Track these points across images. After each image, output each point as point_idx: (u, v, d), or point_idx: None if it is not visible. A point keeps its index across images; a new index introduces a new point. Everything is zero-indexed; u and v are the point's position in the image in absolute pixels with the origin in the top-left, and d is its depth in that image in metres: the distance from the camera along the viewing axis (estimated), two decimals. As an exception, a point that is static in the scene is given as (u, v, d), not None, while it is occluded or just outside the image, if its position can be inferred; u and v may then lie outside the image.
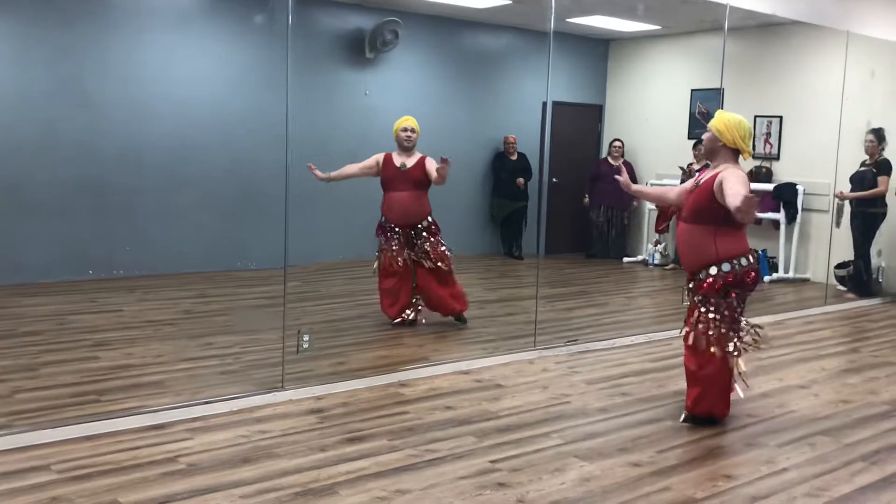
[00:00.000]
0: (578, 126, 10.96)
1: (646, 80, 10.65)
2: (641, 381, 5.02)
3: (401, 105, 9.26)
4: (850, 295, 8.18)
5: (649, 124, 10.47)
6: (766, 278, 9.03)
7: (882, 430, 4.26)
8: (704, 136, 4.17)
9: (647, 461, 3.73)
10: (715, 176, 4.04)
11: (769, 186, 9.17)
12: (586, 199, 10.46)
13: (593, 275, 9.29)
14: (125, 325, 5.81)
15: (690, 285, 4.26)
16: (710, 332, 4.11)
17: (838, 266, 8.53)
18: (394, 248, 6.00)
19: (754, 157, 9.51)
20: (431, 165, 5.99)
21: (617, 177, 4.74)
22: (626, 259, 10.22)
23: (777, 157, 9.38)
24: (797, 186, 8.96)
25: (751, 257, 4.13)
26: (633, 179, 10.44)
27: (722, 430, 4.19)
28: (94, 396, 4.28)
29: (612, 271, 9.53)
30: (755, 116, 9.42)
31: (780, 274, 9.05)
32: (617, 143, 10.48)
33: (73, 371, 4.70)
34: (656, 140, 10.37)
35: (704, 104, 9.82)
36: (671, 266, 9.68)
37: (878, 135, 7.97)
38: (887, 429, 4.31)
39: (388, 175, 6.01)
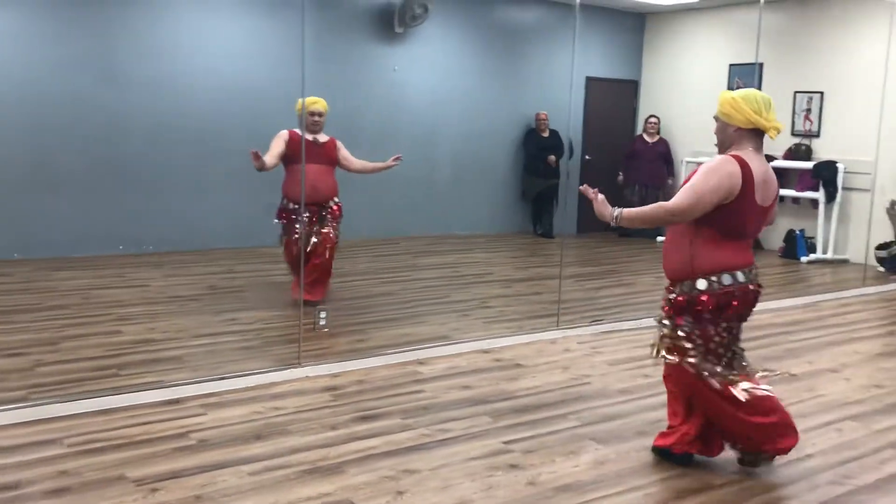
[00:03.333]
0: (614, 102, 10.76)
1: (682, 54, 10.40)
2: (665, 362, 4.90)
3: (431, 81, 9.17)
4: (894, 276, 7.93)
5: (686, 100, 10.22)
6: (804, 258, 8.80)
7: (914, 416, 4.11)
8: (714, 130, 3.29)
9: (665, 445, 3.63)
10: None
11: (809, 165, 8.91)
12: (620, 177, 10.28)
13: (625, 254, 9.13)
14: (150, 301, 5.85)
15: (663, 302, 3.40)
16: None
17: (879, 247, 8.27)
18: (296, 235, 5.57)
19: (794, 133, 9.24)
20: (343, 150, 5.76)
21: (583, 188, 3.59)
22: (659, 238, 10.02)
23: (817, 135, 9.09)
24: (837, 165, 8.68)
25: (739, 275, 3.19)
26: (668, 158, 10.28)
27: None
28: (114, 371, 4.31)
29: (644, 250, 9.36)
30: (795, 92, 9.13)
31: (819, 255, 8.80)
32: (653, 120, 10.27)
33: (95, 345, 4.73)
34: (693, 116, 10.11)
35: (742, 79, 9.54)
36: (705, 246, 9.47)
37: None
38: (920, 416, 4.15)
39: (298, 150, 5.35)
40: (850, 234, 8.78)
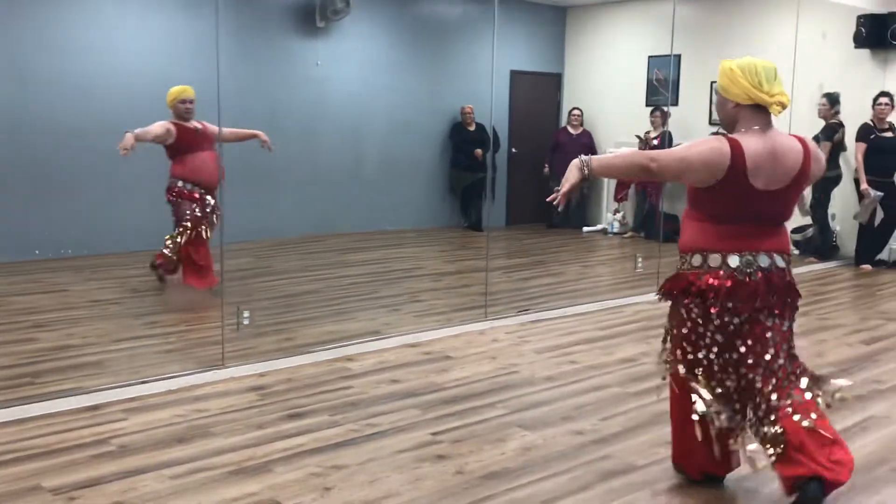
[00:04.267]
0: (538, 95, 10.87)
1: (603, 47, 10.57)
2: (590, 348, 5.00)
3: (355, 75, 9.11)
4: (812, 258, 8.23)
5: (608, 92, 10.40)
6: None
7: (826, 391, 4.27)
8: (714, 104, 2.96)
9: (590, 429, 3.70)
10: None
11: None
12: (546, 169, 10.40)
13: (552, 245, 9.25)
14: (68, 306, 5.67)
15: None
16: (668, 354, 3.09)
17: (794, 231, 8.57)
18: (197, 212, 5.92)
19: (712, 123, 9.51)
20: (212, 126, 5.95)
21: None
22: (586, 228, 10.20)
23: (734, 123, 9.36)
24: (753, 152, 8.96)
25: (733, 259, 2.84)
26: (592, 149, 10.44)
27: (668, 396, 4.16)
28: (29, 379, 4.16)
29: (571, 241, 9.51)
30: (711, 82, 9.38)
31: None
32: (576, 112, 10.42)
33: (8, 353, 4.56)
34: (615, 108, 10.32)
35: (661, 71, 9.77)
36: (629, 234, 9.69)
37: (831, 98, 7.98)
38: (831, 390, 4.31)
39: (189, 138, 5.91)
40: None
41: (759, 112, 2.86)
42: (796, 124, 8.29)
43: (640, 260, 7.36)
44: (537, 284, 6.93)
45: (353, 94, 9.11)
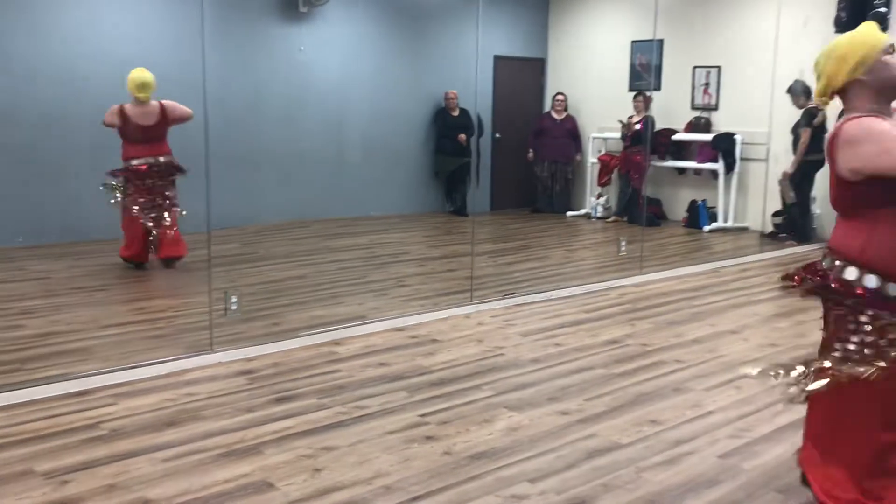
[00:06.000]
0: (521, 80, 10.89)
1: (587, 32, 10.59)
2: (575, 331, 5.06)
3: (338, 61, 9.10)
4: (791, 242, 8.32)
5: (592, 77, 10.43)
6: (706, 228, 9.16)
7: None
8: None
9: (576, 409, 3.76)
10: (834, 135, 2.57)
11: (708, 137, 9.25)
12: (530, 154, 10.44)
13: (537, 229, 9.31)
14: (54, 293, 5.66)
15: None
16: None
17: (775, 214, 8.67)
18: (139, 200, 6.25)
19: (694, 107, 9.58)
20: (174, 106, 6.23)
21: None
22: (570, 213, 10.26)
23: (716, 108, 9.44)
24: (735, 136, 9.05)
25: (840, 260, 2.61)
26: (576, 134, 10.48)
27: (652, 376, 4.24)
28: (17, 365, 4.16)
29: (555, 225, 9.57)
30: (694, 67, 9.45)
31: (720, 223, 9.17)
32: (560, 97, 10.45)
33: (-5, 340, 4.57)
34: (598, 93, 10.36)
35: (644, 55, 9.82)
36: (613, 218, 9.76)
37: (794, 90, 8.06)
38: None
39: (132, 129, 6.22)
40: (749, 202, 9.17)
41: (865, 89, 2.56)
42: (777, 109, 8.40)
43: (623, 243, 7.43)
44: (522, 268, 6.98)
45: (337, 79, 9.10)
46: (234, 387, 3.97)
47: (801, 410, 3.73)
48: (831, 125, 2.59)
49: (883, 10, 7.80)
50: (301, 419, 3.58)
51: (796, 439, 3.45)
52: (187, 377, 4.09)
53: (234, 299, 4.70)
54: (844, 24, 8.12)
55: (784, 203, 8.30)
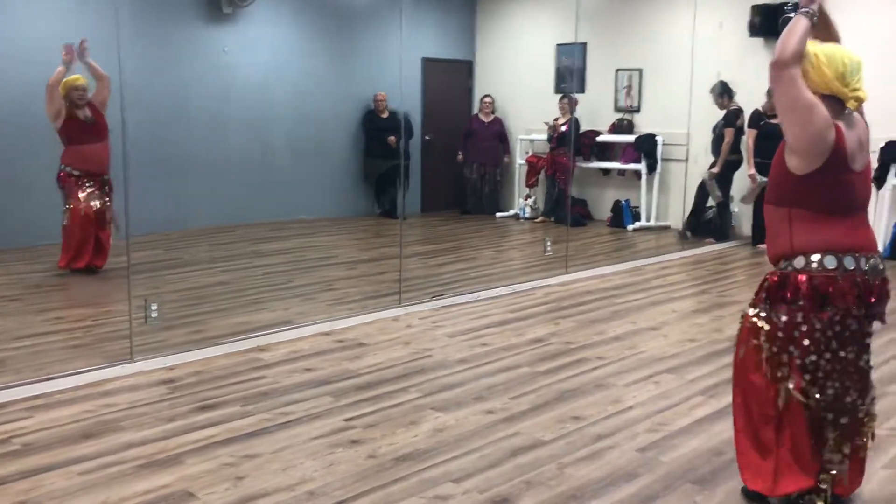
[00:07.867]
0: (450, 82, 10.95)
1: (513, 35, 10.71)
2: (502, 331, 5.12)
3: (263, 62, 9.00)
4: (710, 239, 8.57)
5: (519, 79, 10.56)
6: (630, 227, 9.36)
7: (721, 364, 4.49)
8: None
9: (501, 408, 3.81)
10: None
11: (631, 138, 9.47)
12: (460, 156, 10.50)
13: (466, 230, 9.38)
14: (-36, 304, 5.45)
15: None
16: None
17: (691, 214, 8.91)
18: (89, 192, 6.34)
19: (617, 109, 9.79)
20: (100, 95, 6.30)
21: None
22: (499, 214, 10.37)
23: (638, 109, 9.67)
24: (656, 138, 9.28)
25: (842, 260, 2.65)
26: (504, 136, 10.59)
27: (574, 373, 4.33)
28: (-76, 380, 4.00)
29: (484, 226, 9.65)
30: (617, 70, 9.66)
31: (643, 222, 9.39)
32: (487, 100, 10.54)
33: None
34: (525, 95, 10.49)
35: (568, 58, 9.99)
36: (541, 219, 9.90)
37: (715, 91, 8.33)
38: (726, 363, 4.53)
39: (75, 130, 6.24)
40: (671, 201, 9.42)
41: (835, 103, 2.62)
42: (696, 111, 8.65)
43: (549, 243, 7.55)
44: (451, 270, 7.03)
45: (262, 81, 9.00)
46: (155, 396, 3.90)
47: (716, 404, 3.89)
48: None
49: (792, 15, 8.09)
50: (224, 427, 3.53)
51: (713, 431, 3.59)
52: (106, 387, 3.99)
53: (154, 307, 4.61)
54: (757, 29, 8.43)
55: (695, 204, 8.57)
